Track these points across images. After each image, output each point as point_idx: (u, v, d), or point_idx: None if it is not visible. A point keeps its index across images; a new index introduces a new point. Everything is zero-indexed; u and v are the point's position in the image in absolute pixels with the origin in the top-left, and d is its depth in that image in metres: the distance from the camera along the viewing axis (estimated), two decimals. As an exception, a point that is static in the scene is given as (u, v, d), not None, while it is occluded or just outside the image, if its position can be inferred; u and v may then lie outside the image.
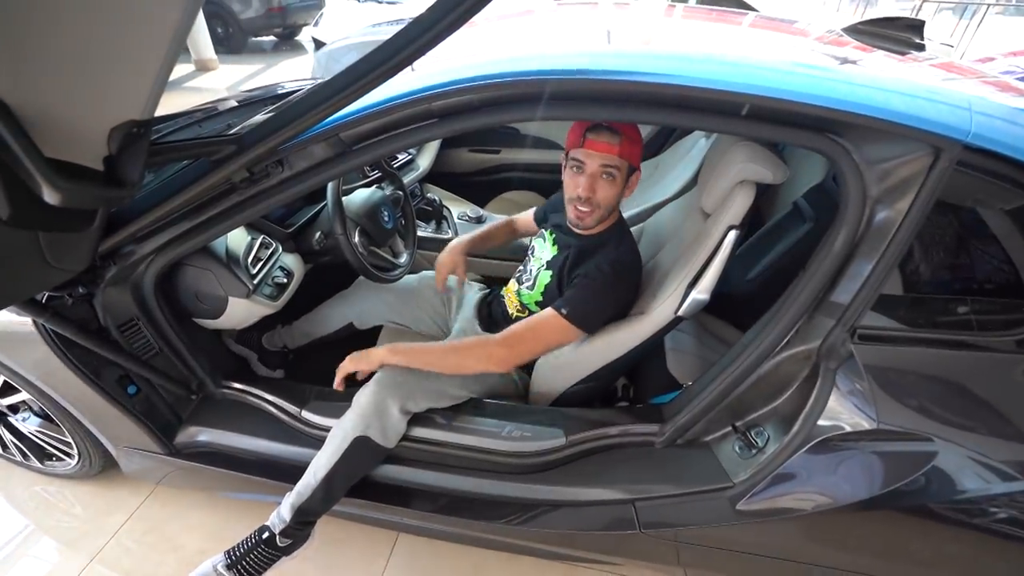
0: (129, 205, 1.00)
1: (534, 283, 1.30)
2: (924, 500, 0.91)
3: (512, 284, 1.40)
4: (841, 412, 0.93)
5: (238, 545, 1.11)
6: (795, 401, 1.00)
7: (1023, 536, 0.90)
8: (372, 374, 1.18)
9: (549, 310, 1.15)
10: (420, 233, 1.93)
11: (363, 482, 1.16)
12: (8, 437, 1.48)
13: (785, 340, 0.99)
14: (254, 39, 7.81)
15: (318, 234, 1.46)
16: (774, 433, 1.03)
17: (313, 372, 1.57)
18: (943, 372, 0.91)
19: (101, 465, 1.48)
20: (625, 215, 1.36)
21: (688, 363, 1.48)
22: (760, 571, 1.16)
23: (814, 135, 0.86)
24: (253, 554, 1.09)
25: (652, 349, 1.31)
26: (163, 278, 1.13)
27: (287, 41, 8.17)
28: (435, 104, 0.92)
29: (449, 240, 1.96)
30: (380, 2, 6.28)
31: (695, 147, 2.03)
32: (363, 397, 1.11)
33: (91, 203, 0.75)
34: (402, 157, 2.14)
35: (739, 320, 1.56)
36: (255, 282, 1.24)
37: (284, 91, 1.70)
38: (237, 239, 1.27)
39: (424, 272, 1.67)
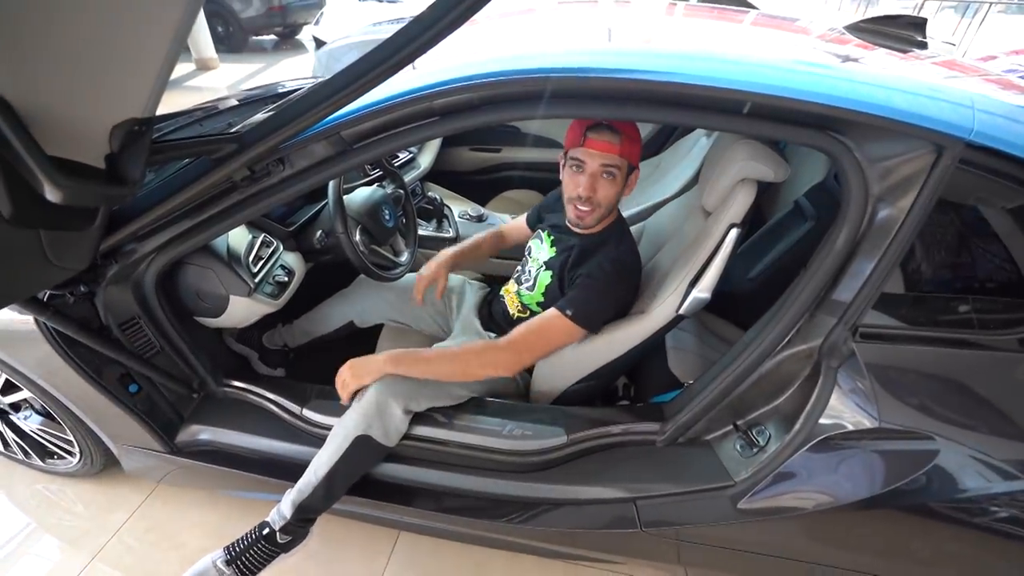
0: (130, 203, 1.00)
1: (534, 284, 1.30)
2: (925, 499, 0.91)
3: (511, 285, 1.40)
4: (843, 411, 0.93)
5: (238, 541, 1.11)
6: (797, 400, 1.00)
7: (1024, 535, 0.90)
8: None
9: (553, 311, 1.15)
10: (421, 232, 1.93)
11: (364, 480, 1.16)
12: (10, 435, 1.48)
13: (787, 339, 0.99)
14: (255, 38, 7.81)
15: (319, 232, 1.46)
16: (775, 432, 1.03)
17: (314, 371, 1.57)
18: (945, 371, 0.91)
19: (102, 463, 1.48)
20: (626, 214, 1.36)
21: (689, 362, 1.48)
22: (761, 570, 1.15)
23: (816, 133, 0.85)
24: (253, 550, 1.09)
25: (653, 348, 1.31)
26: (164, 277, 1.13)
27: (288, 40, 8.17)
28: (436, 102, 0.92)
29: (450, 239, 1.97)
30: (381, 1, 6.28)
31: (696, 146, 2.03)
32: (366, 397, 1.11)
33: (93, 201, 0.75)
34: (403, 156, 2.14)
35: (740, 319, 1.56)
36: (256, 280, 1.24)
37: (285, 90, 1.70)
38: (238, 237, 1.27)
39: (424, 271, 1.66)
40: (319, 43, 5.21)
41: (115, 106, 0.65)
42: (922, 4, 7.00)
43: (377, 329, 1.59)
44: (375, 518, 1.32)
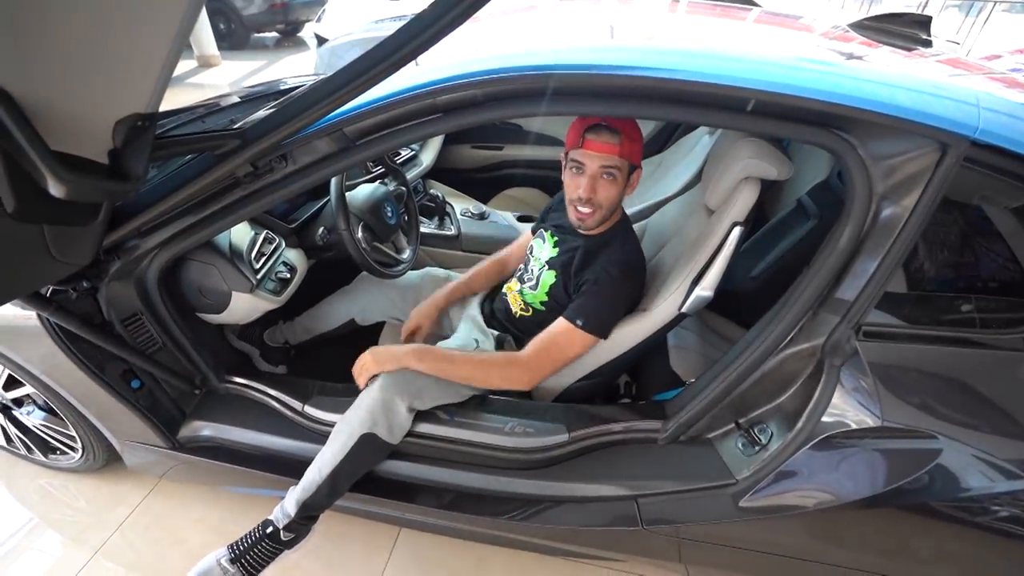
0: (133, 199, 1.00)
1: (537, 283, 1.29)
2: (928, 498, 0.91)
3: (514, 283, 1.40)
4: (845, 409, 0.92)
5: (241, 539, 1.11)
6: (799, 398, 1.00)
7: (1026, 534, 0.90)
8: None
9: (564, 324, 1.15)
10: (423, 229, 1.93)
11: (366, 477, 1.16)
12: (12, 431, 1.48)
13: (789, 337, 0.99)
14: (256, 35, 7.80)
15: (321, 229, 1.46)
16: (777, 430, 1.03)
17: (315, 368, 1.57)
18: (948, 370, 0.91)
19: (105, 459, 1.49)
20: (628, 212, 1.36)
21: (691, 360, 1.48)
22: (762, 568, 1.15)
23: (820, 131, 0.85)
24: (257, 548, 1.10)
25: (655, 346, 1.31)
26: (167, 273, 1.13)
27: (289, 37, 8.16)
28: (439, 99, 0.91)
29: (451, 237, 1.97)
30: (382, -2, 6.26)
31: (698, 144, 2.03)
32: (370, 394, 1.11)
33: (96, 196, 0.76)
34: (405, 153, 2.14)
35: (742, 317, 1.55)
36: (258, 277, 1.24)
37: (287, 87, 1.70)
38: (240, 234, 1.27)
39: (427, 268, 1.66)
40: (321, 40, 5.20)
41: (118, 101, 0.65)
42: (926, 2, 6.97)
43: (378, 327, 1.59)
44: (377, 514, 1.32)
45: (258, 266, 1.26)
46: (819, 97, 0.80)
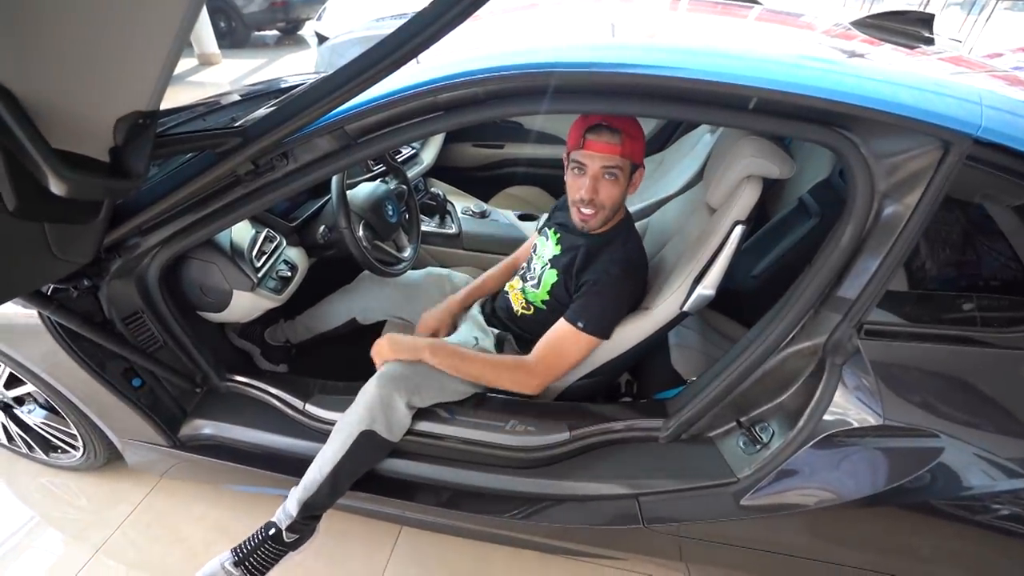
0: (134, 197, 1.00)
1: (539, 281, 1.29)
2: (929, 496, 0.91)
3: (516, 281, 1.40)
4: (847, 408, 0.92)
5: (245, 542, 1.11)
6: (800, 397, 1.00)
7: (1027, 533, 0.90)
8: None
9: (566, 327, 1.15)
10: (424, 228, 1.93)
11: (367, 476, 1.16)
12: (14, 429, 1.49)
13: (791, 335, 0.99)
14: (257, 33, 7.80)
15: (322, 228, 1.46)
16: (779, 428, 1.03)
17: (316, 366, 1.57)
18: (950, 368, 0.90)
19: (106, 457, 1.49)
20: (629, 210, 1.36)
21: (692, 359, 1.48)
22: (763, 566, 1.15)
23: (822, 129, 0.85)
24: (260, 551, 1.09)
25: (656, 345, 1.31)
26: (168, 271, 1.13)
27: (290, 35, 8.15)
28: (440, 97, 0.91)
29: (452, 235, 1.96)
30: (383, -4, 6.24)
31: (700, 142, 2.02)
32: (369, 391, 1.11)
33: (97, 194, 0.76)
34: (406, 151, 2.14)
35: (743, 316, 1.55)
36: (259, 275, 1.24)
37: (287, 85, 1.70)
38: (241, 232, 1.27)
39: (429, 267, 1.66)
40: (321, 39, 5.19)
41: (119, 99, 0.65)
42: (928, 0, 6.95)
43: (380, 326, 1.59)
44: (378, 513, 1.33)
45: (259, 264, 1.26)
46: (821, 95, 0.80)
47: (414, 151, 2.19)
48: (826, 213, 1.39)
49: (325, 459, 1.10)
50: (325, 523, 1.17)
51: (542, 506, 1.14)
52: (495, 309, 1.43)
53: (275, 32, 8.12)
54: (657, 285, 1.23)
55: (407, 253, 1.64)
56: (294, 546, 1.12)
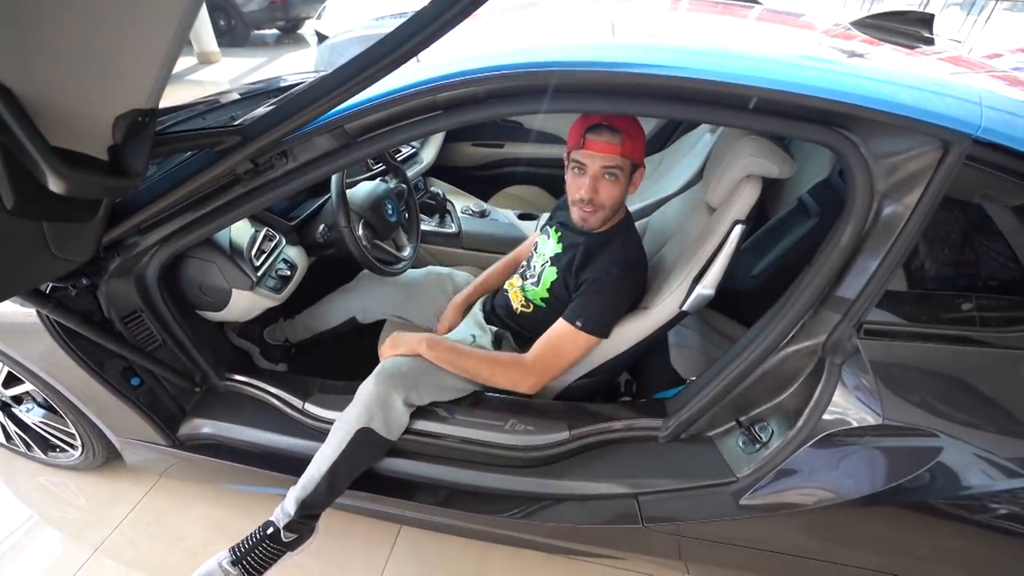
0: (133, 196, 1.00)
1: (539, 280, 1.29)
2: (928, 496, 0.91)
3: (516, 279, 1.40)
4: (846, 407, 0.92)
5: (243, 541, 1.11)
6: (800, 396, 1.00)
7: (1026, 533, 0.90)
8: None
9: (565, 325, 1.15)
10: (424, 227, 1.93)
11: (366, 475, 1.16)
12: (12, 428, 1.48)
13: (790, 335, 0.99)
14: (257, 32, 7.79)
15: (322, 227, 1.46)
16: (778, 428, 1.03)
17: (315, 366, 1.57)
18: (949, 368, 0.90)
19: (105, 456, 1.49)
20: (629, 210, 1.36)
21: (691, 359, 1.48)
22: (763, 566, 1.15)
23: (822, 129, 0.85)
24: (258, 550, 1.09)
25: (656, 344, 1.31)
26: (167, 270, 1.13)
27: (290, 34, 8.14)
28: (440, 96, 0.91)
29: (452, 234, 1.96)
30: (382, -6, 6.24)
31: (700, 142, 2.02)
32: (367, 389, 1.11)
33: (95, 192, 0.75)
34: (406, 150, 2.14)
35: (743, 316, 1.55)
36: (259, 274, 1.24)
37: (287, 84, 1.70)
38: (241, 231, 1.27)
39: (428, 266, 1.66)
40: (321, 37, 5.18)
41: (118, 97, 0.65)
42: (928, 0, 6.95)
43: (379, 325, 1.58)
44: (377, 512, 1.33)
45: (258, 263, 1.26)
46: (821, 95, 0.80)
47: (414, 150, 2.19)
48: (826, 213, 1.39)
49: (323, 458, 1.10)
50: (324, 522, 1.16)
51: (541, 505, 1.14)
52: (494, 307, 1.43)
53: (275, 31, 8.11)
54: (656, 284, 1.23)
55: (407, 252, 1.63)
56: (292, 546, 1.12)
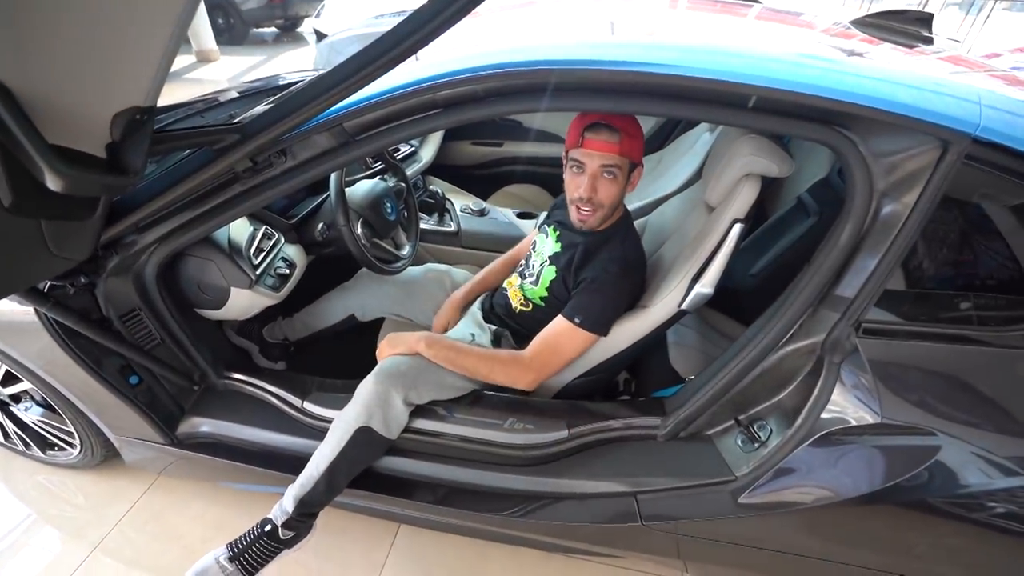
0: (131, 194, 1.00)
1: (537, 278, 1.29)
2: (926, 494, 0.91)
3: (514, 278, 1.40)
4: (845, 406, 0.93)
5: (241, 537, 1.11)
6: (799, 395, 1.00)
7: (1023, 531, 0.90)
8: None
9: (564, 322, 1.15)
10: (423, 225, 1.92)
11: (365, 473, 1.16)
12: (10, 426, 1.48)
13: (789, 334, 0.99)
14: (255, 30, 7.78)
15: (320, 225, 1.46)
16: (777, 427, 1.03)
17: (314, 364, 1.57)
18: (947, 367, 0.90)
19: (103, 455, 1.49)
20: (628, 209, 1.36)
21: (690, 357, 1.48)
22: (761, 564, 1.16)
23: (821, 127, 0.85)
24: (256, 546, 1.09)
25: (654, 343, 1.31)
26: (165, 268, 1.13)
27: (288, 32, 8.13)
28: (439, 94, 0.91)
29: (451, 233, 1.96)
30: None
31: (699, 141, 2.02)
32: (366, 388, 1.11)
33: (93, 190, 0.75)
34: (405, 149, 2.13)
35: (741, 315, 1.55)
36: (257, 273, 1.24)
37: (286, 82, 1.70)
38: (239, 229, 1.26)
39: (427, 264, 1.66)
40: (320, 36, 5.18)
41: (116, 94, 0.65)
42: (926, 0, 6.96)
43: (378, 323, 1.58)
44: (376, 511, 1.32)
45: (257, 262, 1.26)
46: (821, 94, 0.80)
47: (413, 149, 2.19)
48: (824, 212, 1.39)
49: (322, 456, 1.10)
50: (323, 521, 1.16)
51: (540, 504, 1.14)
52: (493, 306, 1.43)
53: (273, 29, 8.10)
54: (655, 283, 1.23)
55: (406, 251, 1.63)
56: (290, 543, 1.12)
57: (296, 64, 6.48)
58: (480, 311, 1.43)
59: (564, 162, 1.16)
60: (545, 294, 1.27)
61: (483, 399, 1.24)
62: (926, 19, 1.35)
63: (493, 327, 1.35)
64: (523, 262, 1.40)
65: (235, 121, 0.94)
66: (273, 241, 1.34)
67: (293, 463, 1.17)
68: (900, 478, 0.90)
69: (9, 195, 0.61)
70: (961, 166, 0.79)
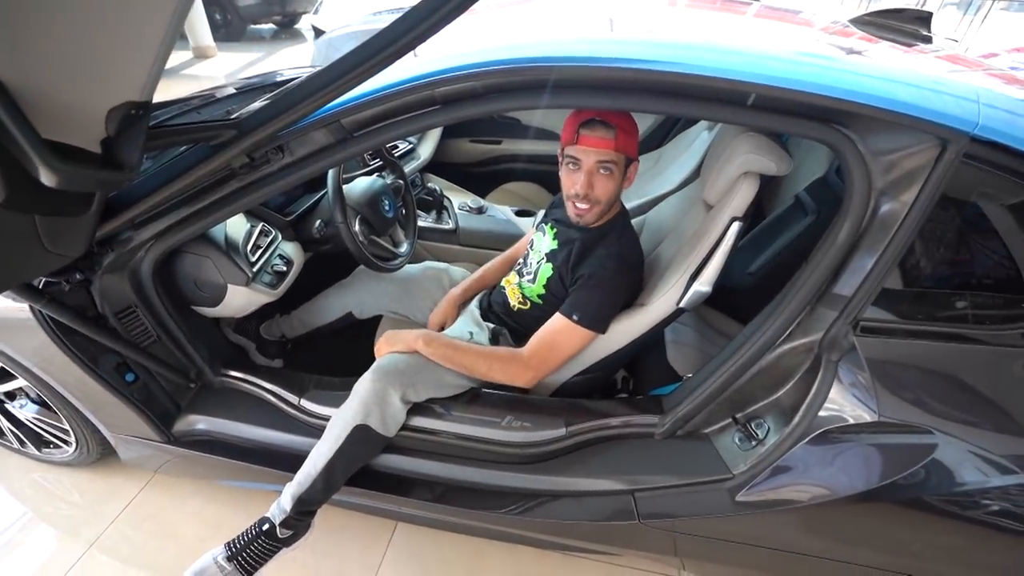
0: (127, 190, 0.99)
1: (535, 276, 1.29)
2: (922, 492, 0.91)
3: (513, 276, 1.40)
4: (842, 404, 0.93)
5: (238, 537, 1.10)
6: (796, 393, 1.00)
7: (1019, 529, 0.90)
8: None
9: (561, 319, 1.15)
10: (420, 223, 1.92)
11: (363, 471, 1.16)
12: (5, 424, 1.47)
13: (787, 332, 0.99)
14: (253, 27, 7.74)
15: (318, 222, 1.45)
16: (774, 425, 1.03)
17: (312, 361, 1.57)
18: (944, 366, 0.91)
19: (99, 453, 1.48)
20: (627, 207, 1.36)
21: (688, 355, 1.48)
22: (758, 562, 1.16)
23: (820, 126, 0.85)
24: (253, 546, 1.09)
25: (652, 341, 1.31)
26: (161, 265, 1.12)
27: (286, 29, 8.10)
28: (437, 91, 0.91)
29: (449, 230, 1.96)
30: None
31: (697, 139, 2.02)
32: (363, 385, 1.11)
33: (88, 186, 0.74)
34: (403, 146, 2.13)
35: (739, 313, 1.55)
36: (254, 270, 1.23)
37: (283, 79, 1.69)
38: (236, 226, 1.26)
39: (425, 262, 1.66)
40: (318, 32, 5.16)
41: (111, 88, 0.64)
42: (925, 0, 6.97)
43: (376, 320, 1.58)
44: (374, 509, 1.32)
45: (254, 259, 1.25)
46: (820, 92, 0.80)
47: (411, 146, 2.18)
48: (822, 211, 1.40)
49: (319, 454, 1.10)
50: (321, 518, 1.16)
51: (538, 502, 1.14)
52: (491, 304, 1.43)
53: (271, 25, 8.07)
54: (653, 281, 1.23)
55: (403, 248, 1.63)
56: (288, 542, 1.12)
57: (294, 61, 6.45)
58: (478, 309, 1.42)
59: (560, 159, 1.15)
60: (543, 291, 1.27)
61: (481, 397, 1.24)
62: (925, 18, 1.35)
63: (491, 325, 1.35)
64: (521, 260, 1.40)
65: (232, 117, 0.94)
66: (270, 238, 1.34)
67: (290, 461, 1.17)
68: (897, 476, 0.91)
69: (2, 190, 0.60)
70: (960, 165, 0.79)
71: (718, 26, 1.43)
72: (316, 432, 1.15)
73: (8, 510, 1.49)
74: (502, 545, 1.41)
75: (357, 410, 1.09)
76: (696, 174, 1.82)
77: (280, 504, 1.11)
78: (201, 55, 6.28)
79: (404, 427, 1.16)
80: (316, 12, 5.67)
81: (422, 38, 0.72)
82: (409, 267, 1.59)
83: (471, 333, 1.30)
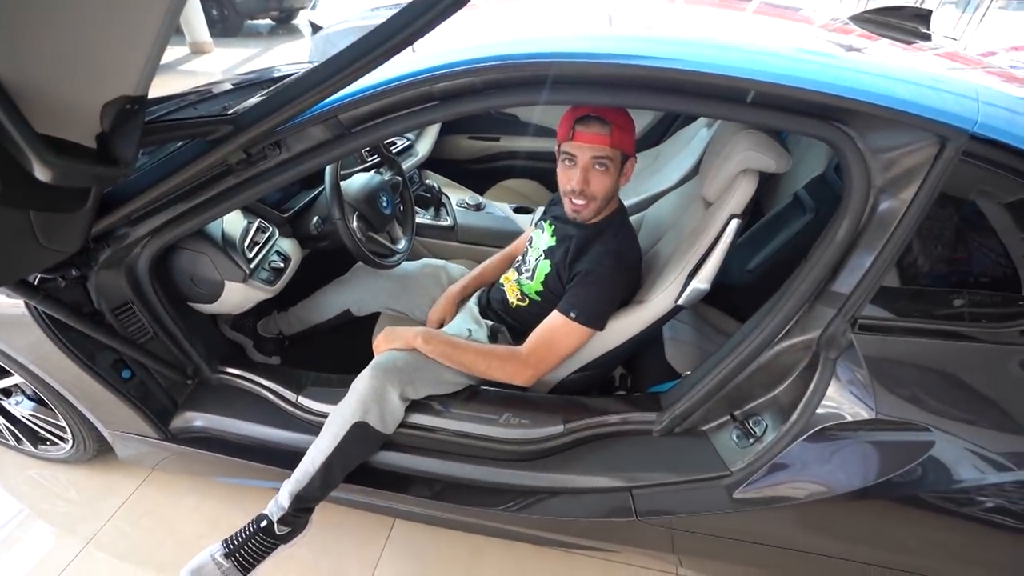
0: (123, 186, 0.98)
1: (533, 273, 1.29)
2: (920, 490, 0.91)
3: (511, 273, 1.39)
4: (840, 402, 0.93)
5: (236, 534, 1.10)
6: (794, 390, 1.00)
7: (1015, 526, 0.91)
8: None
9: (559, 317, 1.15)
10: (418, 220, 1.91)
11: (361, 468, 1.16)
12: (1, 421, 1.47)
13: (785, 330, 0.99)
14: (250, 22, 7.70)
15: (316, 219, 1.45)
16: (772, 422, 1.03)
17: (309, 358, 1.56)
18: (942, 363, 0.91)
19: (96, 450, 1.48)
20: (625, 204, 1.36)
21: (686, 353, 1.48)
22: (755, 559, 1.16)
23: (819, 123, 0.85)
24: (251, 543, 1.09)
25: (650, 339, 1.31)
26: (158, 261, 1.12)
27: (283, 24, 8.06)
28: (435, 87, 0.90)
29: (447, 227, 1.95)
30: (378, -15, 6.18)
31: (696, 136, 2.02)
32: (362, 382, 1.10)
33: (83, 181, 0.74)
34: (401, 143, 2.12)
35: (737, 311, 1.56)
36: (251, 266, 1.23)
37: (280, 74, 1.68)
38: (233, 223, 1.25)
39: (423, 259, 1.66)
40: (315, 28, 5.12)
41: (106, 83, 0.64)
42: (923, -1, 6.97)
43: (374, 317, 1.58)
44: (372, 506, 1.32)
45: (251, 255, 1.25)
46: (819, 89, 0.80)
47: (409, 142, 2.17)
48: (821, 208, 1.40)
49: (317, 451, 1.09)
50: (318, 515, 1.16)
51: (536, 499, 1.15)
52: (490, 301, 1.42)
53: (268, 21, 8.02)
54: (651, 278, 1.23)
55: (401, 245, 1.62)
56: (286, 539, 1.12)
57: (291, 57, 6.42)
58: (477, 306, 1.42)
59: (557, 156, 1.15)
60: (540, 288, 1.27)
61: (479, 394, 1.24)
62: (924, 15, 1.35)
63: (490, 322, 1.35)
64: (520, 257, 1.40)
65: (229, 113, 0.93)
66: (268, 234, 1.33)
67: (288, 458, 1.16)
68: (894, 473, 0.91)
69: (-3, 185, 0.60)
70: (959, 162, 0.79)
71: (717, 22, 1.42)
72: (314, 429, 1.15)
73: (5, 507, 1.48)
74: (500, 542, 1.41)
75: (355, 407, 1.09)
76: (695, 171, 1.82)
77: (278, 501, 1.11)
78: (198, 51, 6.25)
79: (402, 424, 1.15)
80: (313, 8, 5.64)
81: (420, 34, 0.72)
82: (407, 264, 1.59)
83: (470, 330, 1.30)
